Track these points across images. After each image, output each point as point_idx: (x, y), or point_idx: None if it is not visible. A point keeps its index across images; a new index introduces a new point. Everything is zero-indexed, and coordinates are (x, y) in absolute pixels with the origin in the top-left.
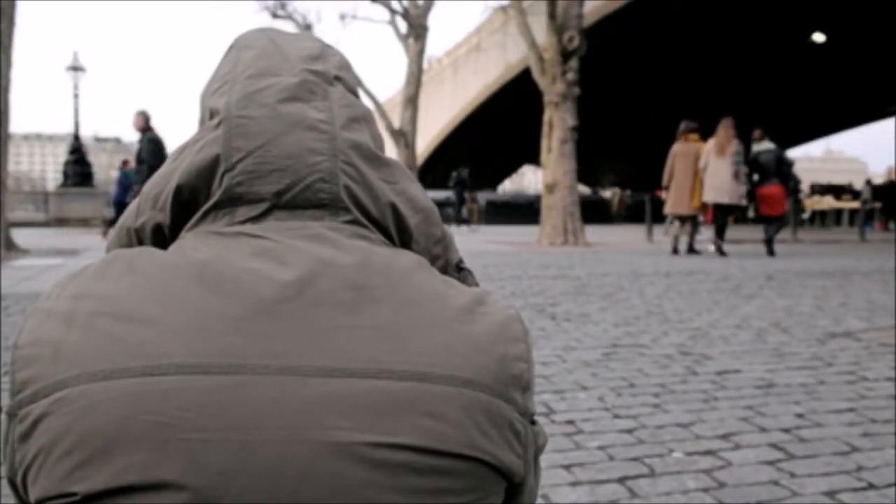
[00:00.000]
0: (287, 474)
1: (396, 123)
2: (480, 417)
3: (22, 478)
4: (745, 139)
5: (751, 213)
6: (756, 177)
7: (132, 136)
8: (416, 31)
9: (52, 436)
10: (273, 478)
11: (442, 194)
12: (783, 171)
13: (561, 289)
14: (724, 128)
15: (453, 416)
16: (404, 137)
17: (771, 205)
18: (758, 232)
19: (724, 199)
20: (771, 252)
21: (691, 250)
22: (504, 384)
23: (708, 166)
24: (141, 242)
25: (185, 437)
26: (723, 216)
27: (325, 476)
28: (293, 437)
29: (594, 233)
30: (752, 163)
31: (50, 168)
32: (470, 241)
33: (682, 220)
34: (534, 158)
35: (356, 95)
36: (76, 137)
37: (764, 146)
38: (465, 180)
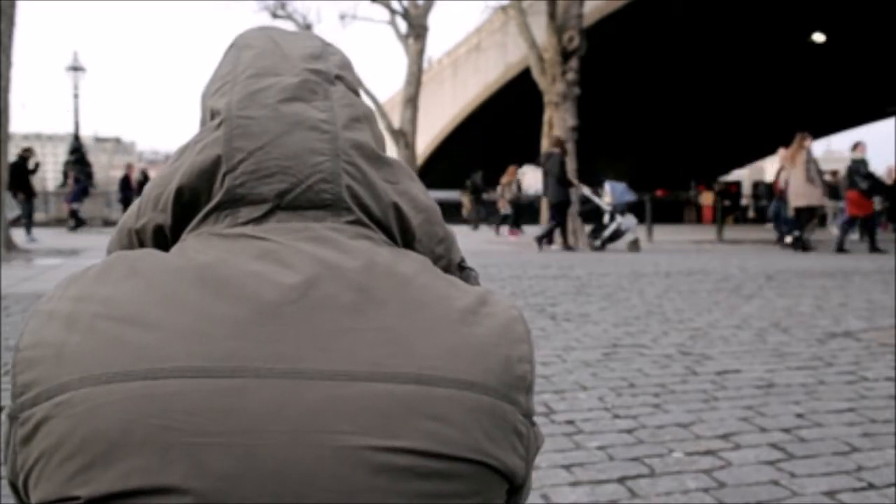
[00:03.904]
0: (291, 478)
1: (396, 123)
2: (485, 420)
3: (23, 481)
4: (752, 141)
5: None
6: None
7: (132, 136)
8: (416, 31)
9: (54, 439)
10: (276, 482)
11: (442, 194)
12: (853, 179)
13: (561, 289)
14: (796, 140)
15: (457, 420)
16: (404, 137)
17: (850, 207)
18: (756, 231)
19: (802, 202)
20: (875, 246)
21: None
22: (508, 386)
23: (789, 177)
24: (142, 243)
25: (188, 441)
26: (807, 216)
27: (328, 480)
28: (297, 441)
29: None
30: (847, 172)
31: (50, 168)
32: (470, 240)
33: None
34: (534, 158)
35: (357, 94)
36: (76, 137)
37: (855, 156)
38: (479, 185)
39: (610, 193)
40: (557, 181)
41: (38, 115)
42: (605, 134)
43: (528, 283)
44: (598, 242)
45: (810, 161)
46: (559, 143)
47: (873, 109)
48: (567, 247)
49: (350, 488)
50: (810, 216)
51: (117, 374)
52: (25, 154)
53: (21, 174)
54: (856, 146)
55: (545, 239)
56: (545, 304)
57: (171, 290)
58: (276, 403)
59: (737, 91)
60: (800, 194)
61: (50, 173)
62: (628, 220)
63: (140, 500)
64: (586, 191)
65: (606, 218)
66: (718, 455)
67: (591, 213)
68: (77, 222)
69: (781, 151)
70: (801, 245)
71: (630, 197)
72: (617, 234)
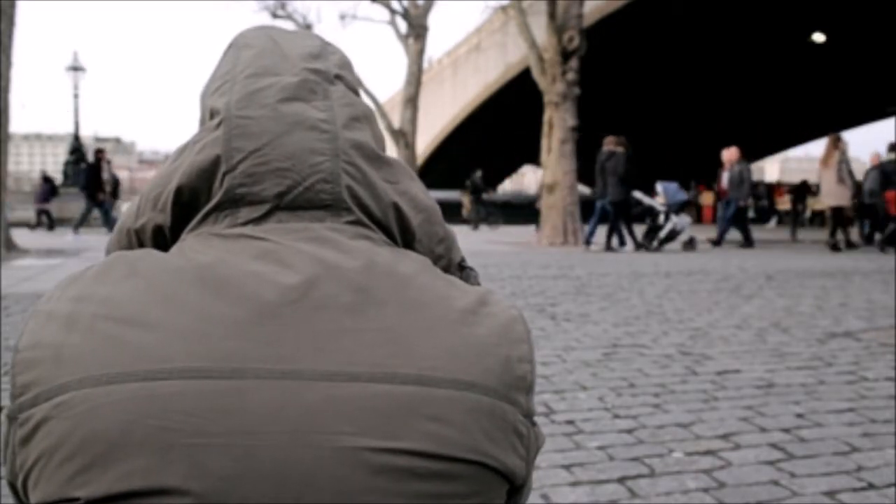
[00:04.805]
0: (290, 479)
1: (396, 123)
2: (484, 421)
3: (23, 482)
4: (752, 141)
5: (751, 213)
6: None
7: (132, 136)
8: (416, 31)
9: (53, 440)
10: (276, 483)
11: (443, 194)
12: (892, 180)
13: (561, 289)
14: (828, 141)
15: (457, 420)
16: (404, 137)
17: (890, 206)
18: (756, 232)
19: (832, 202)
20: (884, 247)
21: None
22: (508, 386)
23: (821, 178)
24: (141, 244)
25: (187, 442)
26: (836, 217)
27: (328, 481)
28: (296, 442)
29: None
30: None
31: (50, 168)
32: (470, 240)
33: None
34: (534, 158)
35: (357, 94)
36: (76, 137)
37: (892, 156)
38: (479, 184)
39: (663, 194)
40: (620, 180)
41: (38, 115)
42: (605, 134)
43: (528, 283)
44: (654, 243)
45: (843, 162)
46: (623, 142)
47: (873, 109)
48: (609, 247)
49: (349, 489)
50: (841, 217)
51: (117, 375)
52: (99, 155)
53: (96, 175)
54: (894, 147)
55: (612, 239)
56: (545, 304)
57: (170, 291)
58: (276, 404)
59: (737, 91)
60: (831, 194)
61: (51, 174)
62: (682, 220)
63: (140, 500)
64: (638, 193)
65: (661, 218)
66: (718, 455)
67: (644, 215)
68: (49, 223)
69: (724, 153)
70: (834, 245)
71: (683, 196)
72: (673, 234)
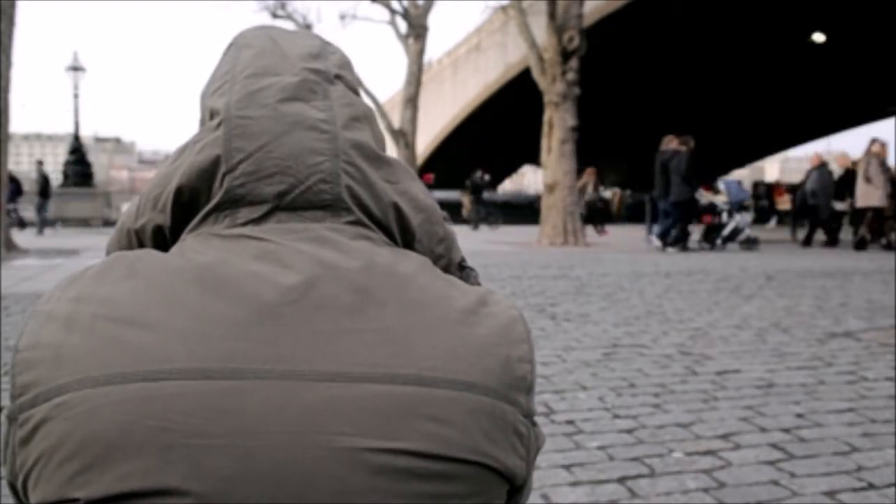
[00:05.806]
0: (290, 480)
1: (396, 123)
2: (484, 421)
3: (22, 482)
4: (752, 141)
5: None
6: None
7: (132, 136)
8: (416, 31)
9: (52, 441)
10: (276, 483)
11: (443, 194)
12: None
13: (561, 289)
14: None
15: (457, 421)
16: (404, 137)
17: None
18: (756, 231)
19: (861, 203)
20: None
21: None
22: (508, 387)
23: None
24: (141, 244)
25: (187, 443)
26: (869, 216)
27: (327, 482)
28: (296, 443)
29: (594, 233)
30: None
31: (50, 168)
32: (470, 240)
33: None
34: (534, 158)
35: (357, 93)
36: (76, 137)
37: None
38: (479, 184)
39: (725, 192)
40: (684, 180)
41: (38, 115)
42: (605, 134)
43: (528, 283)
44: (718, 241)
45: (869, 163)
46: (686, 141)
47: (873, 109)
48: (685, 248)
49: (349, 489)
50: (873, 216)
51: (116, 376)
52: None
53: None
54: None
55: (667, 238)
56: (545, 304)
57: (170, 291)
58: (276, 404)
59: (737, 91)
60: (860, 195)
61: (50, 173)
62: (745, 218)
63: (139, 501)
64: (702, 191)
65: (724, 216)
66: (718, 455)
67: (704, 213)
68: (20, 222)
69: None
70: (888, 245)
71: (745, 195)
72: (736, 233)
